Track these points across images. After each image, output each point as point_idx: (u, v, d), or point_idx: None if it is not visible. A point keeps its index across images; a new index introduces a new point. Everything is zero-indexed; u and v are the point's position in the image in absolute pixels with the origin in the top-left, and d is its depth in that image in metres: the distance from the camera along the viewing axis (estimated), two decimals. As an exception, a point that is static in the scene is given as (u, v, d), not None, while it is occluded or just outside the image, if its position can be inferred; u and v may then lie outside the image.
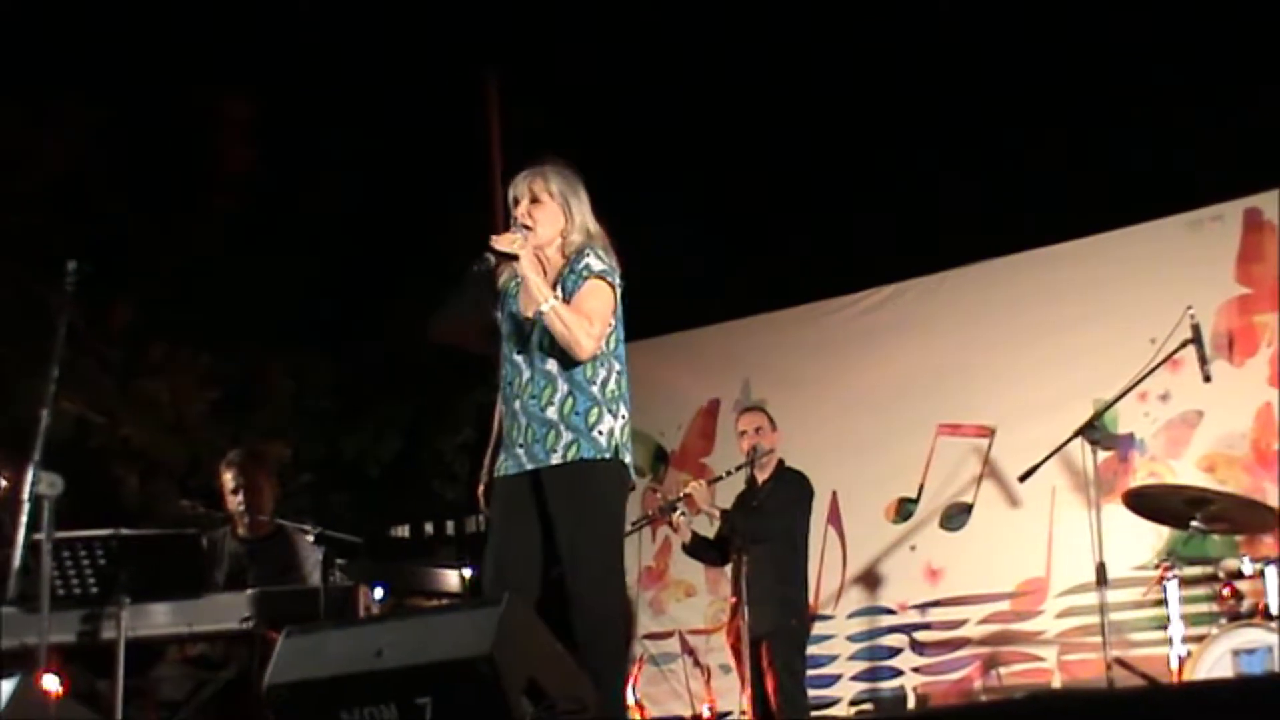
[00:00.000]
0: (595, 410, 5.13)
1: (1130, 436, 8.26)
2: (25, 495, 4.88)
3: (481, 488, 5.36)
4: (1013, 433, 8.54)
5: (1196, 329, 6.96)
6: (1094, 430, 6.90)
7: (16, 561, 4.94)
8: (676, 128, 10.27)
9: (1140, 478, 8.07)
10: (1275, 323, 7.95)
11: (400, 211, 11.33)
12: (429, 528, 13.04)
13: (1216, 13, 8.25)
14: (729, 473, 7.94)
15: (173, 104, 10.77)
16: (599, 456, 5.10)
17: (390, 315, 11.13)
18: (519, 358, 5.23)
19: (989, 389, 8.80)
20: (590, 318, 5.07)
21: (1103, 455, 7.40)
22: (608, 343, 5.20)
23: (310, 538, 6.54)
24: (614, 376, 5.21)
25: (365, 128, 11.31)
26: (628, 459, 5.20)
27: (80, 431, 10.20)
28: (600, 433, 5.12)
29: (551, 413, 5.12)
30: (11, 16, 9.93)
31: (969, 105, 9.23)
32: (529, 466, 5.16)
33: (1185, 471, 8.02)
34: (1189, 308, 7.02)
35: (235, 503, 6.94)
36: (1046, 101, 8.92)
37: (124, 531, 5.90)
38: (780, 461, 7.86)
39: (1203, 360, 6.97)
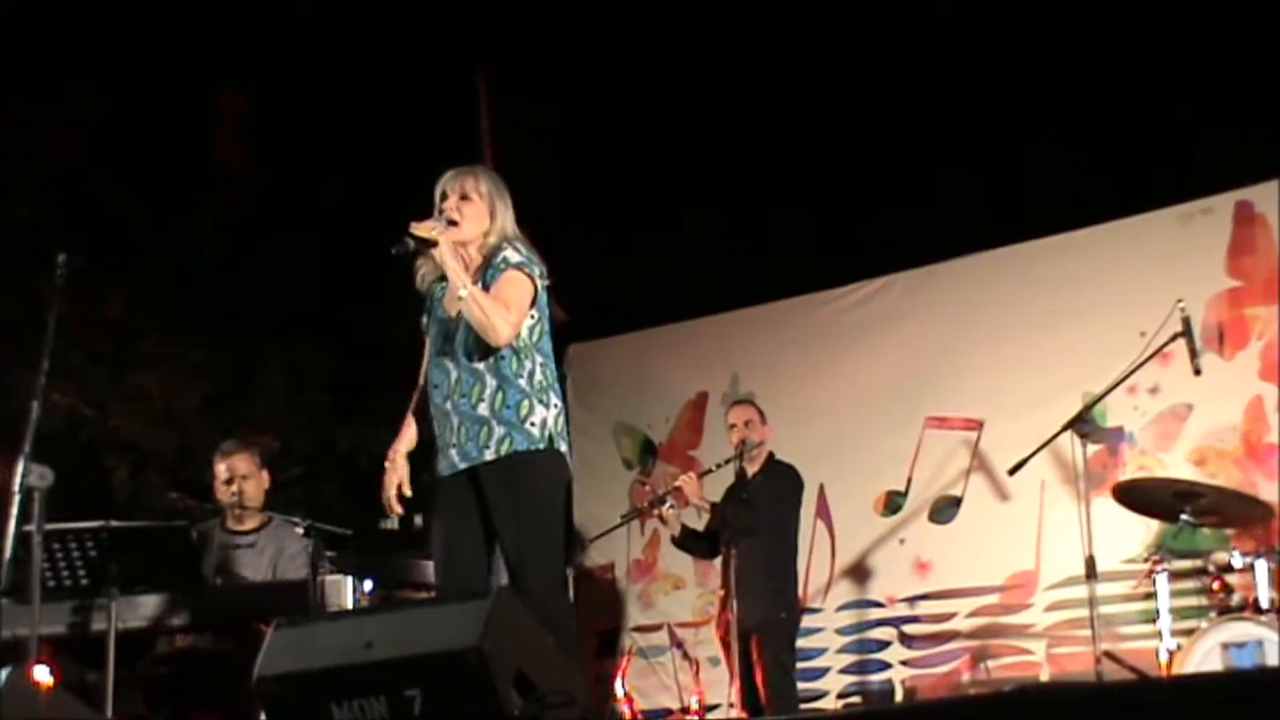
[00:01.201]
0: (526, 402, 5.19)
1: (1120, 430, 8.25)
2: (16, 487, 4.89)
3: (393, 491, 5.39)
4: (1001, 426, 8.53)
5: (1187, 322, 6.98)
6: (1084, 424, 6.92)
7: (7, 553, 4.95)
8: (668, 122, 10.28)
9: (1130, 471, 8.06)
10: (1266, 316, 7.94)
11: (395, 205, 11.31)
12: (418, 520, 13.02)
13: (1205, 8, 8.27)
14: (718, 465, 7.97)
15: (168, 98, 10.78)
16: (533, 447, 5.17)
17: (383, 308, 11.13)
18: (445, 359, 5.29)
19: (978, 382, 8.79)
20: (508, 305, 5.13)
21: (1092, 448, 7.39)
22: (531, 334, 5.26)
23: (299, 530, 6.53)
24: (539, 368, 5.27)
25: (360, 122, 11.31)
26: (563, 447, 5.27)
27: (71, 423, 10.20)
28: (533, 424, 5.18)
29: (483, 409, 5.18)
30: (9, 10, 9.92)
31: (959, 101, 9.25)
32: (462, 466, 5.22)
33: (1175, 465, 8.01)
34: (1179, 301, 7.03)
35: (227, 494, 6.94)
36: (1037, 96, 8.94)
37: (114, 524, 5.91)
38: (770, 455, 7.89)
39: (1193, 353, 6.99)
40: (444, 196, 5.31)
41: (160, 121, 10.79)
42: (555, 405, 5.26)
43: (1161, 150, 8.29)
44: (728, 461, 7.81)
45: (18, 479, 4.90)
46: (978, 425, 8.70)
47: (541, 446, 5.17)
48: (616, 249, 10.38)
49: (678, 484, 7.91)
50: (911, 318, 9.09)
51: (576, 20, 10.39)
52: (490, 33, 10.74)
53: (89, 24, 10.33)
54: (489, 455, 5.16)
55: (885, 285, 9.23)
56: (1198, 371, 7.03)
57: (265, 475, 7.11)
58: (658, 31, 10.19)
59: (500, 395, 5.17)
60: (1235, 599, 6.64)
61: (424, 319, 5.45)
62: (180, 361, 10.82)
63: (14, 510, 4.90)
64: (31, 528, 4.95)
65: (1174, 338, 6.99)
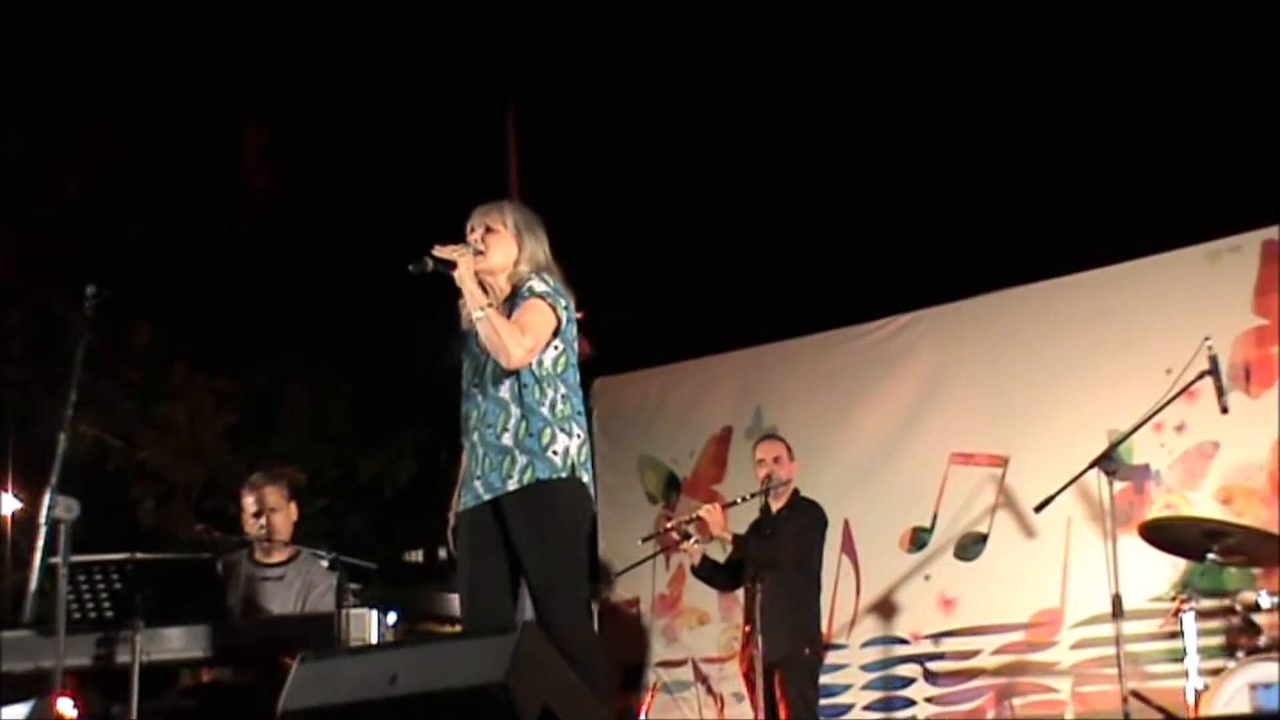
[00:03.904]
0: (548, 431, 5.23)
1: (1146, 467, 8.22)
2: (42, 519, 4.90)
3: (450, 527, 5.45)
4: (1027, 462, 8.52)
5: (1214, 360, 6.92)
6: (1110, 461, 6.87)
7: (33, 585, 4.96)
8: (695, 157, 10.30)
9: (1156, 509, 8.02)
10: (1292, 354, 7.92)
11: (420, 236, 11.35)
12: (443, 552, 13.05)
13: (1236, 44, 8.26)
14: (744, 499, 7.94)
15: (194, 127, 10.84)
16: (555, 476, 5.20)
17: (408, 338, 11.16)
18: (475, 391, 5.36)
19: (1003, 418, 8.77)
20: (524, 329, 5.18)
21: (1119, 486, 7.36)
22: (556, 365, 5.32)
23: (325, 563, 6.55)
24: (560, 398, 5.30)
25: (387, 154, 11.35)
26: (586, 478, 5.30)
27: (98, 453, 10.24)
28: (555, 452, 5.21)
29: (507, 439, 5.23)
30: (35, 42, 10.00)
31: (984, 133, 9.24)
32: (486, 497, 5.26)
33: (1202, 503, 7.97)
34: (1206, 339, 6.98)
35: (257, 526, 6.96)
36: (1063, 130, 8.92)
37: (139, 555, 5.91)
38: (795, 491, 7.88)
39: (1220, 392, 6.93)
40: (471, 230, 5.40)
41: (185, 150, 10.86)
42: (578, 435, 5.29)
43: (1189, 187, 8.26)
44: (753, 496, 7.78)
45: (44, 511, 4.91)
46: (1003, 461, 8.69)
47: (564, 475, 5.20)
48: (642, 283, 10.39)
49: (700, 514, 7.90)
50: (936, 354, 9.08)
51: (606, 55, 10.43)
52: (521, 66, 10.79)
53: (113, 54, 10.40)
54: (511, 485, 5.19)
55: (911, 321, 9.22)
56: (1225, 410, 6.98)
57: (293, 508, 7.13)
58: (687, 68, 10.22)
59: (524, 424, 5.21)
60: (1263, 639, 6.59)
61: (463, 356, 5.49)
62: (207, 391, 10.86)
63: (40, 542, 4.91)
64: (57, 559, 4.95)
65: (1201, 376, 6.94)
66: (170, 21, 10.60)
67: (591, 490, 5.33)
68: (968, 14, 9.19)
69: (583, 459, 5.28)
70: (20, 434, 10.09)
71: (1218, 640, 7.15)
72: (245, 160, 11.29)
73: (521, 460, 5.19)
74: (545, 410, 5.24)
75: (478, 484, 5.27)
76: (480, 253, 5.29)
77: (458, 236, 5.39)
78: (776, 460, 7.84)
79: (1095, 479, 7.08)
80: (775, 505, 7.77)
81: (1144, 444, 8.07)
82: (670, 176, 10.38)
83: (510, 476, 5.19)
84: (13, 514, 10.60)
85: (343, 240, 11.54)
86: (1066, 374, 8.53)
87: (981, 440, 8.80)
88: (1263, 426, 7.90)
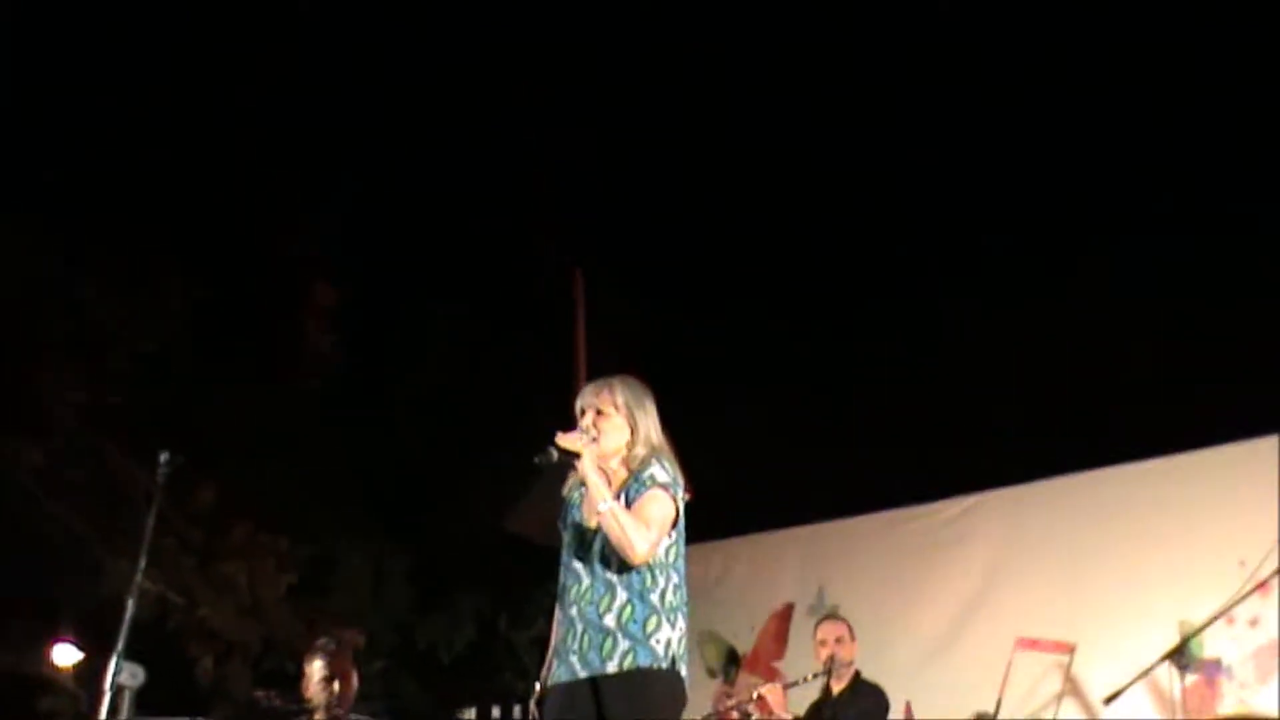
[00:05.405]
0: (654, 619, 5.15)
1: (1217, 661, 8.06)
2: (107, 684, 4.90)
3: (534, 700, 5.38)
4: (1095, 650, 8.37)
5: (1290, 557, 6.86)
6: (1182, 656, 6.78)
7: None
8: (754, 332, 10.38)
9: (1228, 705, 7.86)
10: (1367, 551, 7.79)
11: (481, 398, 11.43)
12: (496, 711, 12.96)
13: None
14: (806, 679, 7.84)
15: (260, 283, 10.99)
16: (656, 665, 5.10)
17: (468, 502, 11.18)
18: (579, 565, 5.26)
19: (1070, 604, 8.64)
20: (648, 524, 5.11)
21: (1189, 679, 7.24)
22: (668, 554, 5.24)
23: (380, 733, 6.52)
24: (672, 587, 5.23)
25: (448, 313, 11.46)
26: (683, 670, 5.20)
27: (160, 610, 10.24)
28: (658, 641, 5.13)
29: (609, 620, 5.14)
30: (108, 198, 10.18)
31: (1056, 315, 9.26)
32: (583, 674, 5.15)
33: (1275, 701, 7.81)
34: (1282, 534, 6.92)
35: (322, 692, 6.91)
36: (1139, 313, 8.92)
37: (199, 722, 5.90)
38: (857, 672, 7.77)
39: (1294, 587, 6.86)
40: (582, 413, 5.33)
41: (250, 308, 10.98)
42: (680, 628, 5.21)
43: (1265, 376, 8.22)
44: (815, 676, 7.68)
45: (109, 676, 4.91)
46: (1070, 649, 8.54)
47: (664, 666, 5.10)
48: (704, 459, 10.40)
49: (762, 692, 7.80)
50: (1002, 537, 9.02)
51: (666, 234, 10.57)
52: (587, 230, 10.92)
53: (182, 208, 10.57)
54: (611, 668, 5.09)
55: (977, 504, 9.17)
56: (1298, 608, 6.90)
57: (358, 673, 7.10)
58: (745, 249, 10.35)
59: (629, 609, 5.13)
60: None
61: (560, 523, 5.42)
62: (268, 551, 10.89)
63: (105, 708, 4.91)
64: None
65: (1277, 572, 6.87)
66: (233, 180, 10.80)
67: (685, 684, 5.23)
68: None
69: (681, 651, 5.19)
70: (81, 586, 10.13)
71: None
72: (311, 321, 11.39)
73: (624, 644, 5.10)
74: (654, 598, 5.16)
75: (574, 659, 5.17)
76: (594, 439, 5.22)
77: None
78: (839, 641, 7.74)
79: (1165, 670, 6.98)
80: (836, 687, 7.67)
81: (1215, 637, 7.91)
82: (737, 354, 10.44)
83: (610, 658, 5.10)
84: (74, 666, 10.63)
85: (404, 401, 11.63)
86: (1135, 561, 8.42)
87: (1047, 626, 8.66)
88: (1338, 624, 7.77)
